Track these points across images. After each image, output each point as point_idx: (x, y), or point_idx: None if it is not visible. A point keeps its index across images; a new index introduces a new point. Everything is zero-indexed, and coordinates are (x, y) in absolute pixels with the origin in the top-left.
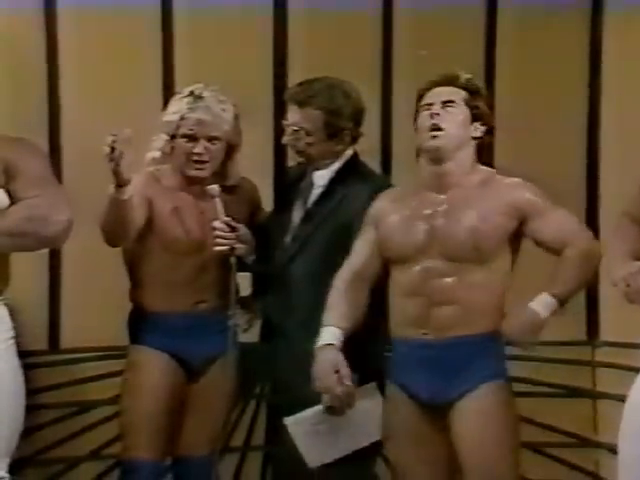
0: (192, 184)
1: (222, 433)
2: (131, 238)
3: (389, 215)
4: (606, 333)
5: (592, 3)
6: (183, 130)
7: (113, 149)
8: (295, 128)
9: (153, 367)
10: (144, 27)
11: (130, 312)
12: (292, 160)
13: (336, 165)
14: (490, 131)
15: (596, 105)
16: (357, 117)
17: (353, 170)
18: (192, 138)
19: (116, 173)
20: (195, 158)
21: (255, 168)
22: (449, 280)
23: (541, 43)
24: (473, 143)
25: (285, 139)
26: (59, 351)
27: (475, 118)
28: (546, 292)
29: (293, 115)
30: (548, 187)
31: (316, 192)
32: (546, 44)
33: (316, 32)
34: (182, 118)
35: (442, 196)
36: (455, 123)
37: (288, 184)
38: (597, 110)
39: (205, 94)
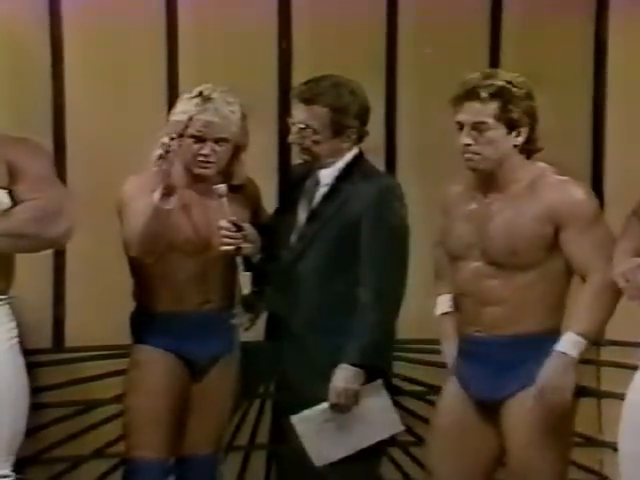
0: (198, 182)
1: (225, 432)
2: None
3: (453, 208)
4: (611, 332)
5: (597, 1)
6: (191, 131)
7: (167, 152)
8: (302, 126)
9: (158, 367)
10: (148, 27)
11: (133, 311)
12: (296, 159)
13: (341, 163)
14: (533, 122)
15: (601, 103)
16: (363, 115)
17: (358, 169)
18: (200, 139)
19: (165, 178)
20: (201, 159)
21: (259, 167)
22: (495, 282)
23: (546, 41)
24: (516, 149)
25: (291, 137)
26: (63, 350)
27: (512, 127)
28: (572, 331)
29: (300, 113)
30: None
31: (322, 191)
32: (551, 42)
33: (320, 31)
34: (190, 119)
35: (488, 199)
36: (489, 147)
37: (292, 183)
38: (602, 108)
39: (214, 95)
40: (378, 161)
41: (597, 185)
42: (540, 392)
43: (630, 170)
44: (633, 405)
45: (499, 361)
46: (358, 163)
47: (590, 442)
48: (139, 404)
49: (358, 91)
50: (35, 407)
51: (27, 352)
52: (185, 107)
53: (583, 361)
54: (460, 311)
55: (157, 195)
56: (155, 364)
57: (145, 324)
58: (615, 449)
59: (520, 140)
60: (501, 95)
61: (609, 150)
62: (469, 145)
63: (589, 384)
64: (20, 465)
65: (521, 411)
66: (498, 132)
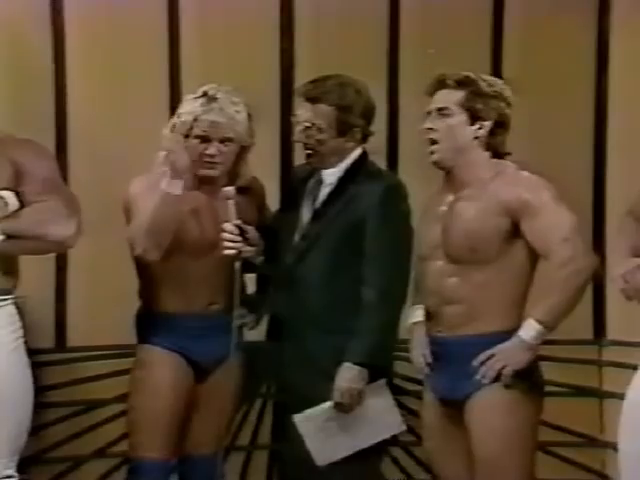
0: (204, 183)
1: (227, 432)
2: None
3: (424, 216)
4: (613, 332)
5: (598, 2)
6: (196, 131)
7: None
8: (307, 125)
9: (164, 367)
10: (151, 26)
11: (138, 311)
12: (299, 159)
13: (345, 163)
14: (501, 124)
15: (603, 104)
16: (368, 114)
17: (362, 168)
18: (205, 139)
19: (173, 163)
20: (207, 159)
21: (262, 166)
22: (454, 280)
23: (547, 42)
24: (477, 143)
25: (296, 136)
26: (66, 349)
27: (475, 118)
28: (531, 317)
29: (305, 112)
30: (554, 184)
31: (325, 190)
32: (553, 42)
33: (323, 30)
34: (195, 119)
35: (451, 197)
36: (449, 133)
37: (296, 182)
38: (604, 109)
39: (219, 95)
40: (380, 162)
41: (599, 186)
42: (485, 357)
43: (632, 171)
44: (632, 404)
45: (460, 361)
46: (362, 163)
47: (592, 442)
48: (143, 404)
49: (363, 90)
50: (37, 407)
51: (29, 352)
52: (190, 107)
53: (585, 361)
54: (427, 313)
55: (165, 181)
56: (160, 364)
57: (150, 324)
58: (617, 449)
59: (481, 133)
60: (467, 84)
61: (611, 151)
62: (429, 130)
63: (591, 384)
64: (22, 465)
65: (482, 409)
66: (459, 119)
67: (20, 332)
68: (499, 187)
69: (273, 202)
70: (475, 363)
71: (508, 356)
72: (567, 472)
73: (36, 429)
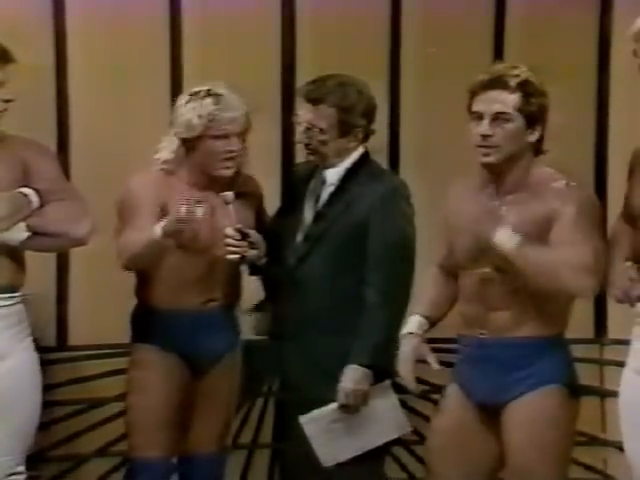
0: (208, 183)
1: (229, 431)
2: None
3: (455, 213)
4: (614, 331)
5: None
6: (213, 131)
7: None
8: (308, 126)
9: (161, 366)
10: (152, 25)
11: (135, 310)
12: (300, 158)
13: (347, 163)
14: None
15: (605, 99)
16: (370, 114)
17: (365, 168)
18: (223, 137)
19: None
20: (228, 155)
21: (262, 166)
22: (503, 288)
23: (549, 38)
24: (530, 147)
25: (298, 137)
26: (67, 348)
27: (531, 122)
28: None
29: (306, 113)
30: None
31: (328, 190)
32: (554, 40)
33: (324, 30)
34: (212, 119)
35: (495, 202)
36: (508, 139)
37: (297, 182)
38: (606, 103)
39: (222, 91)
40: (381, 161)
41: (600, 181)
42: None
43: None
44: (629, 405)
45: (504, 364)
46: (364, 162)
47: (593, 441)
48: (143, 404)
49: (364, 90)
50: None
51: None
52: (199, 110)
53: (586, 360)
54: (464, 315)
55: (157, 231)
56: (159, 364)
57: (147, 322)
58: (619, 448)
59: (534, 138)
60: (525, 87)
61: (613, 145)
62: (488, 136)
63: (592, 383)
64: (26, 462)
65: (523, 413)
66: (518, 125)
67: (29, 330)
68: (546, 198)
69: (274, 202)
70: None
71: None
72: (569, 471)
73: (38, 427)
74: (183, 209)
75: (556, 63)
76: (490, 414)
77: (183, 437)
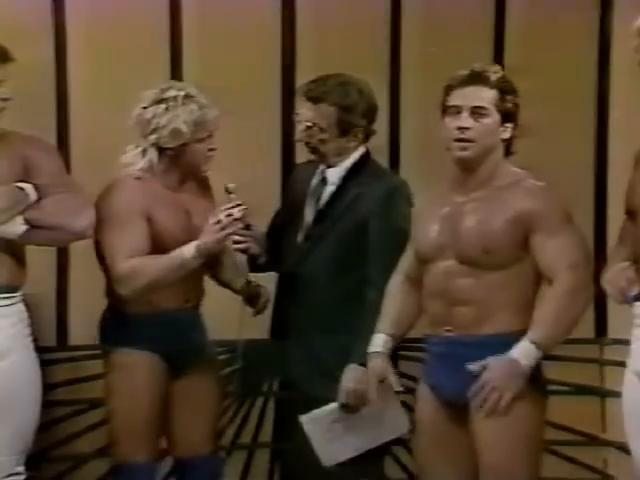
0: (184, 184)
1: (219, 429)
2: None
3: (421, 216)
4: (614, 331)
5: None
6: (200, 134)
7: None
8: (309, 124)
9: (145, 369)
10: (152, 24)
11: (107, 313)
12: (300, 158)
13: (348, 162)
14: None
15: (605, 98)
16: (370, 114)
17: (366, 168)
18: (208, 137)
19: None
20: (211, 154)
21: (263, 165)
22: (466, 281)
23: (549, 40)
24: (502, 144)
25: (298, 136)
26: (67, 348)
27: (505, 119)
28: (527, 339)
29: (307, 111)
30: (555, 183)
31: (329, 190)
32: (555, 40)
33: (324, 29)
34: (197, 124)
35: (463, 198)
36: (485, 133)
37: (298, 182)
38: (606, 103)
39: (192, 92)
40: (381, 160)
41: (600, 180)
42: (480, 388)
43: None
44: (631, 406)
45: (468, 361)
46: (365, 162)
47: (594, 441)
48: (130, 409)
49: (365, 89)
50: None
51: None
52: (185, 117)
53: (586, 360)
54: (429, 312)
55: (191, 251)
56: (140, 366)
57: (122, 326)
58: (619, 448)
59: (507, 135)
60: (502, 84)
61: (613, 145)
62: (465, 130)
63: (592, 383)
64: (26, 462)
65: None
66: (494, 120)
67: (30, 329)
68: (516, 196)
69: (274, 202)
70: (469, 394)
71: (503, 385)
72: (569, 471)
73: (38, 427)
74: (225, 221)
75: (556, 63)
76: (460, 412)
77: (171, 440)
